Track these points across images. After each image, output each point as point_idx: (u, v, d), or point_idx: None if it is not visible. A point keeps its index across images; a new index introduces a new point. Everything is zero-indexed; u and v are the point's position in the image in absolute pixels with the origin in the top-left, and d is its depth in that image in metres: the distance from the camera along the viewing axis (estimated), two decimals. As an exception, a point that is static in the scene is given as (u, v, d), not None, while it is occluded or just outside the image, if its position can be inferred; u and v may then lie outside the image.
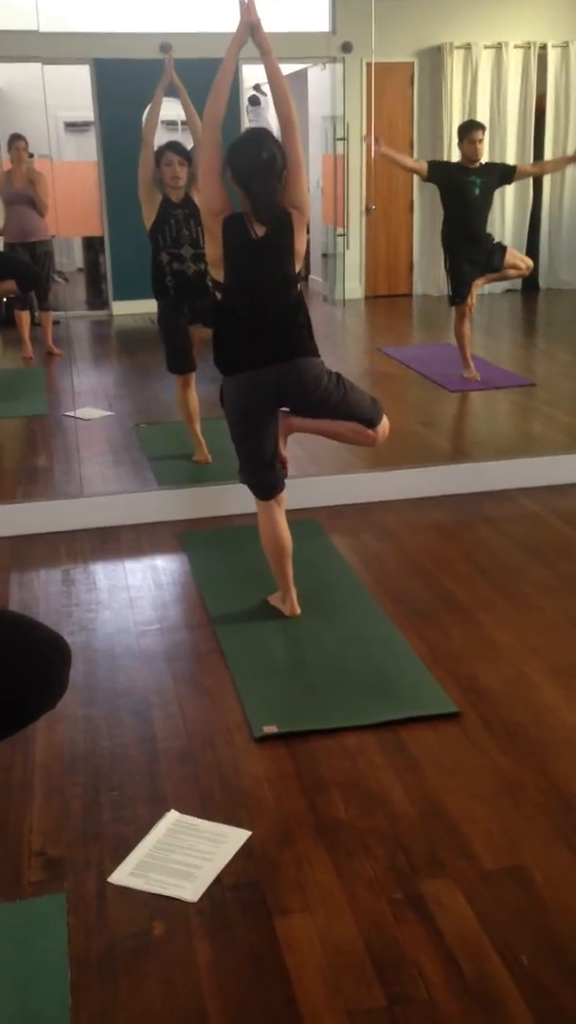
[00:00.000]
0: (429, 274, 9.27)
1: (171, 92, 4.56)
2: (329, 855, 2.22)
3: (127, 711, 2.83)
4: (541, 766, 2.52)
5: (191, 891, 2.12)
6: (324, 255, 9.56)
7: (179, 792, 2.46)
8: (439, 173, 6.00)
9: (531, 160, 9.79)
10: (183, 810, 2.38)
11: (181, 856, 2.22)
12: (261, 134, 3.08)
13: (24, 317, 7.44)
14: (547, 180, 9.81)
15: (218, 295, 3.11)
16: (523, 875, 2.14)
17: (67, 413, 5.89)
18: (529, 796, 2.41)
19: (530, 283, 9.21)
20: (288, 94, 3.03)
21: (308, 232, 3.14)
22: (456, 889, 2.10)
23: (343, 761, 2.56)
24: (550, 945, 1.96)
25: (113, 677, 3.01)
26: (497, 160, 6.40)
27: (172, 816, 2.36)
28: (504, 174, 6.01)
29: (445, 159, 6.55)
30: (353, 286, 9.63)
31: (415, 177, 9.76)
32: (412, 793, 2.43)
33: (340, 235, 9.46)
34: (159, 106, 4.52)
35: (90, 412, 5.84)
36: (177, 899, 2.10)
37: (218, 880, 2.15)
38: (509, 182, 6.06)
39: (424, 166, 6.01)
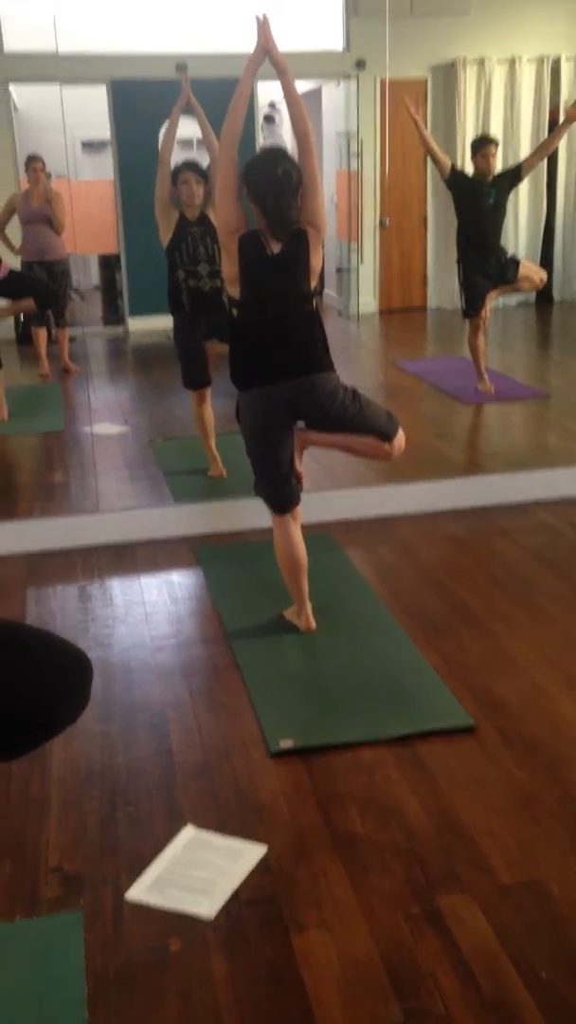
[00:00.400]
0: (443, 287, 9.29)
1: (187, 111, 4.60)
2: (346, 870, 2.22)
3: (143, 726, 2.84)
4: (558, 779, 2.52)
5: (208, 907, 2.12)
6: (338, 269, 9.60)
7: (195, 807, 2.46)
8: (458, 180, 6.03)
9: (544, 172, 9.80)
10: (200, 825, 2.39)
11: (198, 872, 2.22)
12: (277, 152, 3.11)
13: (41, 334, 7.50)
14: (560, 192, 9.83)
15: (234, 311, 3.13)
16: (540, 889, 2.14)
17: (83, 429, 5.93)
18: (546, 809, 2.40)
19: (544, 295, 9.21)
20: (305, 113, 3.06)
21: (323, 247, 3.15)
22: (473, 903, 2.10)
23: (359, 775, 2.56)
24: (568, 959, 1.95)
25: (129, 692, 3.02)
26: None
27: (189, 831, 2.36)
28: (514, 176, 6.04)
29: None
30: (367, 300, 9.67)
31: (429, 191, 9.79)
32: (428, 807, 2.42)
33: (354, 250, 9.50)
34: (176, 126, 4.57)
35: (106, 428, 5.88)
36: (194, 915, 2.10)
37: (235, 896, 2.15)
38: (520, 179, 6.08)
39: (448, 163, 6.05)
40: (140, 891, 2.18)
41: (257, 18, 3.05)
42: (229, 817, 2.42)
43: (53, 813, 2.46)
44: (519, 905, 2.09)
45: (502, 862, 2.22)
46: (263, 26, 3.05)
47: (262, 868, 2.24)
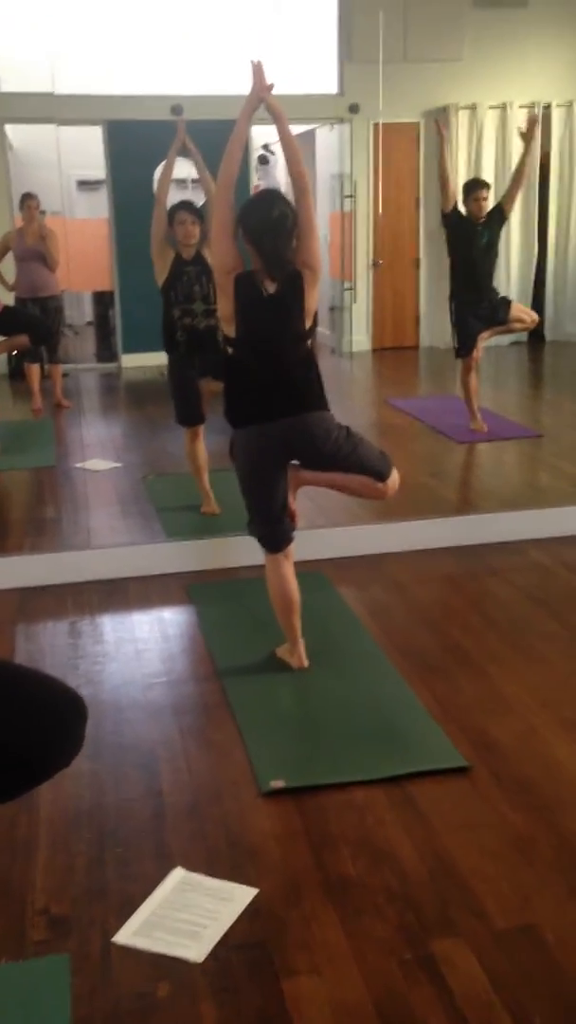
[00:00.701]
0: (435, 326, 9.39)
1: (183, 153, 4.65)
2: (337, 913, 2.18)
3: (133, 765, 2.80)
4: (553, 822, 2.49)
5: (196, 951, 2.08)
6: (332, 308, 9.70)
7: (185, 848, 2.43)
8: (455, 217, 6.11)
9: (535, 215, 9.97)
10: (189, 867, 2.35)
11: (187, 915, 2.19)
12: (272, 195, 3.15)
13: (34, 370, 7.53)
14: (551, 235, 9.97)
15: (229, 350, 3.15)
16: (535, 934, 2.11)
17: (75, 465, 5.93)
18: (540, 853, 2.38)
19: (536, 335, 9.32)
20: (301, 158, 3.10)
21: (318, 288, 3.18)
22: (467, 949, 2.07)
23: (351, 816, 2.54)
24: (563, 1005, 1.92)
25: (119, 730, 2.99)
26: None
27: (178, 874, 2.33)
28: (499, 215, 6.12)
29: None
30: (360, 338, 9.76)
31: (421, 233, 9.93)
32: (421, 849, 2.39)
33: (348, 289, 9.59)
34: (172, 166, 4.61)
35: (98, 464, 5.89)
36: (182, 959, 2.07)
37: (224, 940, 2.12)
38: (505, 215, 6.16)
39: (455, 198, 6.13)
40: (128, 934, 2.14)
41: (252, 64, 3.10)
42: (219, 859, 2.39)
43: (41, 854, 2.42)
44: (513, 951, 2.06)
45: (496, 907, 2.19)
46: (258, 73, 3.09)
47: (252, 911, 2.20)
